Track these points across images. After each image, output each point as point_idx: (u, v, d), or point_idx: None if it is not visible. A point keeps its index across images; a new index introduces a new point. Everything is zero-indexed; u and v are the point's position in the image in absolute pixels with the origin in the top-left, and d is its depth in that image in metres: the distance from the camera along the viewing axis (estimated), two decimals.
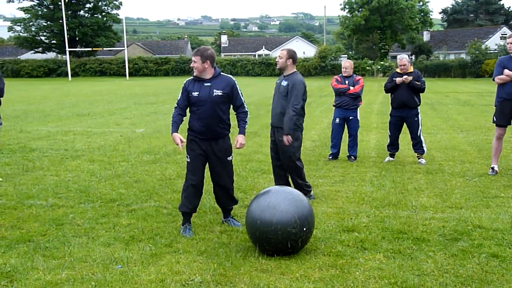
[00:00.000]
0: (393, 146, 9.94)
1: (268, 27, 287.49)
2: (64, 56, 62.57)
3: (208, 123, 5.81)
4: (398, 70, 9.66)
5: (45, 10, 65.94)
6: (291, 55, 7.01)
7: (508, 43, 8.31)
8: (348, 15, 62.73)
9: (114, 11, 69.75)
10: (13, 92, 32.31)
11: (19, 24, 66.65)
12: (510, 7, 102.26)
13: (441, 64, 54.29)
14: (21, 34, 66.32)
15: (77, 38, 65.88)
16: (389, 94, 9.81)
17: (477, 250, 5.23)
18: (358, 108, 10.10)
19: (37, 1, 66.22)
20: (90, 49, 63.33)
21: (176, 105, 5.94)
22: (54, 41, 66.51)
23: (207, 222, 6.26)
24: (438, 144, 11.78)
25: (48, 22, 65.62)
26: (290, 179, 7.43)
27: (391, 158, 9.97)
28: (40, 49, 67.32)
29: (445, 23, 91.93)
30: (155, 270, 4.79)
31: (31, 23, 65.78)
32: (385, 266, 4.87)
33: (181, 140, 5.76)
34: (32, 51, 67.63)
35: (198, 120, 5.82)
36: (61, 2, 56.70)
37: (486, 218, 6.24)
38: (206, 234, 5.83)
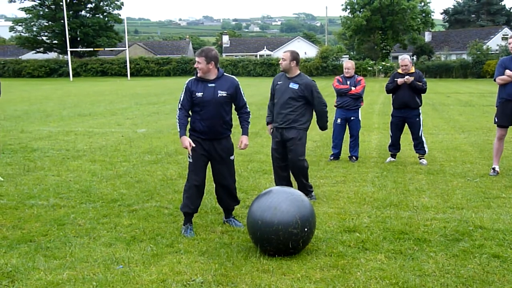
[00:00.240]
0: (395, 147, 9.94)
1: (269, 27, 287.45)
2: (65, 56, 62.56)
3: (211, 124, 5.80)
4: (399, 70, 9.65)
5: (46, 10, 65.96)
6: (294, 56, 7.06)
7: (509, 44, 8.31)
8: (350, 15, 62.74)
9: (116, 11, 69.82)
10: (14, 92, 32.33)
11: (20, 24, 66.65)
12: (511, 7, 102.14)
13: (443, 64, 54.28)
14: (22, 34, 66.32)
15: (78, 38, 65.92)
16: (391, 94, 9.81)
17: (478, 251, 5.23)
18: (360, 109, 10.10)
19: (39, 1, 66.21)
20: (91, 49, 63.35)
21: (180, 106, 5.87)
22: (56, 41, 66.54)
23: (208, 222, 6.26)
24: (440, 145, 11.77)
25: (50, 22, 65.61)
26: (292, 180, 7.44)
27: (393, 159, 9.97)
28: (42, 49, 67.35)
29: (446, 23, 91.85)
30: (156, 270, 4.79)
31: (32, 23, 65.78)
32: (386, 266, 4.87)
33: (190, 143, 5.75)
34: (34, 51, 67.64)
35: (201, 121, 5.81)
36: (62, 2, 56.72)
37: (487, 219, 6.24)
38: (207, 234, 5.83)
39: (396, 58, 57.25)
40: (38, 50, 67.34)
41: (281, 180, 7.34)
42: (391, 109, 9.92)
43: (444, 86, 37.78)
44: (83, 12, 67.61)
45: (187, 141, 5.75)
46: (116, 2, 68.59)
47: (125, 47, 60.85)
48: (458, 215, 6.42)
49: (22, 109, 20.91)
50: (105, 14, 68.33)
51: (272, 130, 7.41)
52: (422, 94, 9.65)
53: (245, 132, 6.12)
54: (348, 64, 10.08)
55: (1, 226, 6.10)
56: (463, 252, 5.21)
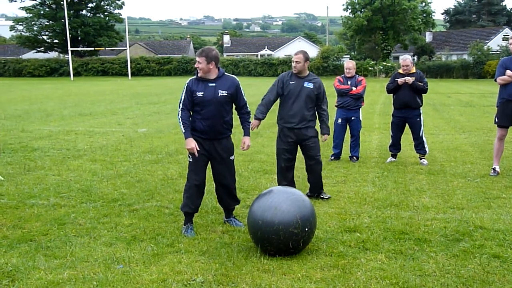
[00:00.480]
0: (395, 147, 9.93)
1: (270, 27, 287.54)
2: (66, 56, 62.57)
3: (212, 123, 5.80)
4: (400, 71, 9.64)
5: (47, 9, 66.00)
6: (307, 57, 7.15)
7: (510, 44, 8.31)
8: (351, 15, 62.79)
9: (117, 11, 69.98)
10: (15, 91, 32.35)
11: (21, 23, 66.68)
12: None
13: (443, 65, 54.29)
14: (23, 33, 66.33)
15: (79, 38, 65.97)
16: (391, 94, 9.80)
17: (479, 251, 5.23)
18: (360, 109, 10.10)
19: (40, 1, 66.25)
20: (92, 48, 63.39)
21: (182, 106, 5.85)
22: (56, 41, 66.58)
23: (209, 222, 6.26)
24: (440, 145, 11.77)
25: (50, 22, 65.65)
26: (293, 181, 7.47)
27: (393, 159, 9.97)
28: (42, 48, 67.39)
29: (447, 24, 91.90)
30: (156, 270, 4.79)
31: (33, 23, 65.82)
32: (387, 266, 4.87)
33: (195, 146, 5.74)
34: (34, 51, 67.67)
35: (202, 120, 5.81)
36: (63, 1, 56.75)
37: (487, 219, 6.24)
38: (208, 234, 5.83)
39: (397, 58, 57.32)
40: (38, 49, 67.38)
41: (286, 180, 7.35)
42: (392, 109, 9.91)
43: (445, 86, 37.77)
44: (84, 12, 67.63)
45: (193, 143, 5.74)
46: (117, 2, 68.65)
47: (126, 46, 60.85)
48: (458, 215, 6.42)
49: (22, 108, 20.92)
50: (106, 13, 68.40)
51: (277, 129, 7.31)
52: (423, 95, 9.65)
53: (246, 133, 6.12)
54: (349, 64, 10.07)
55: (1, 226, 6.11)
56: (464, 252, 5.21)
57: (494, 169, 8.75)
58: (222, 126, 5.87)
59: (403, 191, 7.70)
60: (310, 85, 7.10)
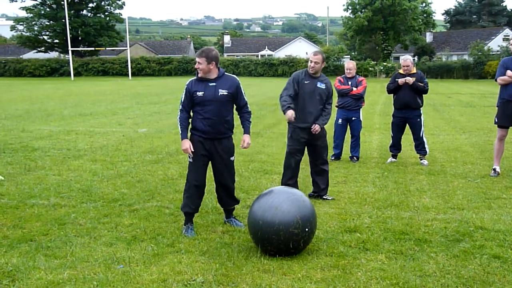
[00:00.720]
0: (396, 147, 9.93)
1: (271, 27, 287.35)
2: (66, 56, 62.56)
3: (213, 123, 5.80)
4: (401, 71, 9.64)
5: (47, 9, 65.96)
6: (324, 58, 7.24)
7: (510, 45, 8.30)
8: (351, 16, 62.81)
9: (117, 11, 69.90)
10: (15, 91, 32.36)
11: (21, 23, 66.64)
12: None
13: (444, 65, 54.30)
14: (23, 33, 66.29)
15: (79, 38, 65.94)
16: (392, 95, 9.80)
17: (479, 251, 5.23)
18: (361, 109, 10.11)
19: (40, 1, 66.25)
20: (92, 48, 63.38)
21: (181, 107, 5.90)
22: (57, 41, 66.55)
23: (209, 222, 6.27)
24: (441, 145, 11.77)
25: (51, 22, 65.62)
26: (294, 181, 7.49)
27: (394, 159, 9.97)
28: (43, 48, 67.37)
29: (448, 24, 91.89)
30: (157, 270, 4.79)
31: (33, 23, 65.79)
32: (387, 267, 4.87)
33: (190, 147, 5.78)
34: (35, 51, 67.64)
35: (203, 120, 5.81)
36: (63, 1, 56.78)
37: (488, 219, 6.24)
38: (208, 234, 5.83)
39: (397, 58, 57.27)
40: (39, 49, 67.35)
41: (292, 179, 7.37)
42: (392, 109, 9.91)
43: (445, 86, 37.77)
44: (84, 12, 67.59)
45: (188, 144, 5.79)
46: (117, 2, 68.60)
47: (126, 46, 60.86)
48: (458, 216, 6.42)
49: (23, 108, 20.92)
50: (106, 13, 68.36)
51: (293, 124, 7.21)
52: (423, 95, 9.65)
53: (247, 131, 6.11)
54: (349, 64, 10.08)
55: (1, 226, 6.11)
56: (464, 252, 5.21)
57: (494, 169, 8.75)
58: (223, 126, 5.87)
59: (404, 191, 7.70)
60: (323, 86, 7.20)
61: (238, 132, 6.29)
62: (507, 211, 6.65)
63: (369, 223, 6.16)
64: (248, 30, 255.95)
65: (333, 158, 10.13)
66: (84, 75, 61.56)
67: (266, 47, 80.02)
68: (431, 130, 14.07)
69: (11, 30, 70.61)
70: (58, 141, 12.39)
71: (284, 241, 4.97)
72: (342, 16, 65.12)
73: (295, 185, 7.28)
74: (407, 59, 9.62)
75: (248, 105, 6.12)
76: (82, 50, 64.82)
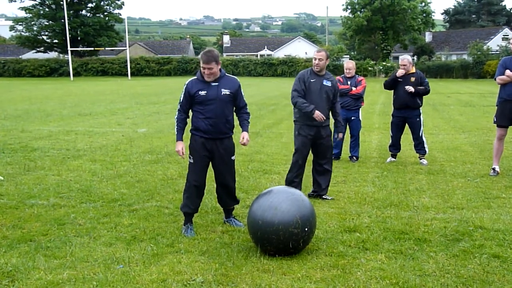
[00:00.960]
0: (395, 147, 9.94)
1: (270, 27, 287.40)
2: (66, 56, 62.50)
3: (214, 122, 5.80)
4: (400, 71, 9.65)
5: (46, 9, 65.92)
6: (328, 55, 7.28)
7: (510, 44, 8.31)
8: (350, 15, 62.77)
9: (116, 11, 69.86)
10: (14, 91, 32.34)
11: (20, 23, 66.60)
12: None
13: (443, 65, 54.31)
14: (22, 33, 66.23)
15: (79, 38, 65.90)
16: (392, 95, 9.81)
17: (479, 251, 5.23)
18: (360, 109, 10.11)
19: (39, 1, 66.20)
20: (92, 48, 63.33)
21: (179, 107, 5.91)
22: (56, 41, 66.51)
23: (209, 222, 6.27)
24: (440, 145, 11.77)
25: (50, 22, 65.58)
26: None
27: (393, 159, 9.97)
28: (42, 48, 67.33)
29: (447, 24, 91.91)
30: (156, 270, 4.79)
31: (33, 23, 65.75)
32: (387, 266, 4.87)
33: (182, 149, 5.90)
34: (34, 51, 67.61)
35: (204, 119, 5.81)
36: (63, 1, 56.72)
37: (487, 219, 6.24)
38: (208, 234, 5.83)
39: (396, 58, 57.11)
40: (38, 49, 67.31)
41: (298, 177, 7.41)
42: (392, 109, 9.92)
43: (445, 86, 37.77)
44: (83, 12, 67.56)
45: (181, 146, 5.90)
46: (116, 2, 68.58)
47: (126, 46, 60.80)
48: (458, 215, 6.42)
49: (22, 108, 20.92)
50: (105, 13, 68.31)
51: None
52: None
53: (245, 129, 6.12)
54: (349, 64, 10.08)
55: (1, 226, 6.10)
56: (463, 252, 5.22)
57: (493, 169, 8.75)
58: (224, 126, 5.87)
59: (403, 191, 7.70)
60: (329, 84, 7.25)
61: (238, 133, 6.29)
62: (507, 210, 6.65)
63: (369, 222, 6.16)
64: (247, 30, 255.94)
65: (332, 157, 10.12)
66: (84, 75, 61.53)
67: (266, 47, 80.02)
68: (430, 130, 14.07)
69: (10, 30, 70.58)
70: (57, 141, 12.39)
71: (283, 241, 4.97)
72: (341, 16, 65.08)
73: (300, 183, 7.34)
74: (404, 58, 9.62)
75: (247, 107, 6.15)
76: (81, 50, 64.80)
